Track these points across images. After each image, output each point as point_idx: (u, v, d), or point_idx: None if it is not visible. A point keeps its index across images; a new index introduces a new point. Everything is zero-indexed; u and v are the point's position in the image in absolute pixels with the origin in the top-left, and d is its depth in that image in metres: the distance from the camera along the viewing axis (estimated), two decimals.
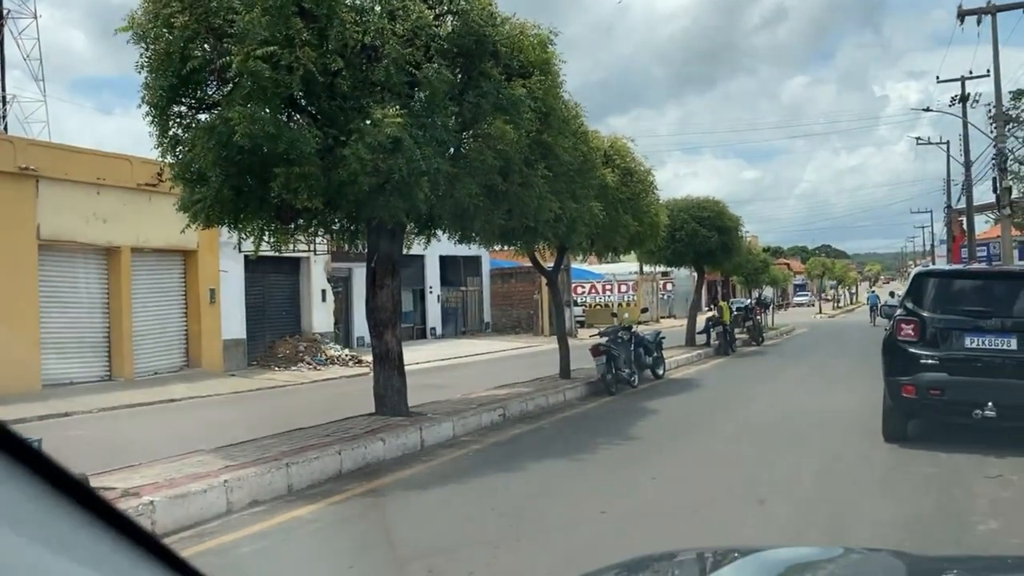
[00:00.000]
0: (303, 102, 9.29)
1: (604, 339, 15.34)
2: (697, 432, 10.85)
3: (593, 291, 48.53)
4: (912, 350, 8.98)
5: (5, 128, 26.96)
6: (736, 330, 26.17)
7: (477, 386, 14.54)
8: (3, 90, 37.79)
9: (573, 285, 38.15)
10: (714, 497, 7.19)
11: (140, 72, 9.04)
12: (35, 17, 40.54)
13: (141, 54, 9.00)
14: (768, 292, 49.54)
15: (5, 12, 38.48)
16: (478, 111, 9.59)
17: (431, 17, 9.23)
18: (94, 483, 6.74)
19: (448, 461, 9.15)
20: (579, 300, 43.51)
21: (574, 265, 35.39)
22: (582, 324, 36.65)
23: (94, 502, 0.73)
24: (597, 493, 7.54)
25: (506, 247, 15.41)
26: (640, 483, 7.89)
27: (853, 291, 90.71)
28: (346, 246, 13.13)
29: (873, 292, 53.59)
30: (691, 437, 10.49)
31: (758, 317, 29.55)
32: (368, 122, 8.56)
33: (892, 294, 38.92)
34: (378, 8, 9.08)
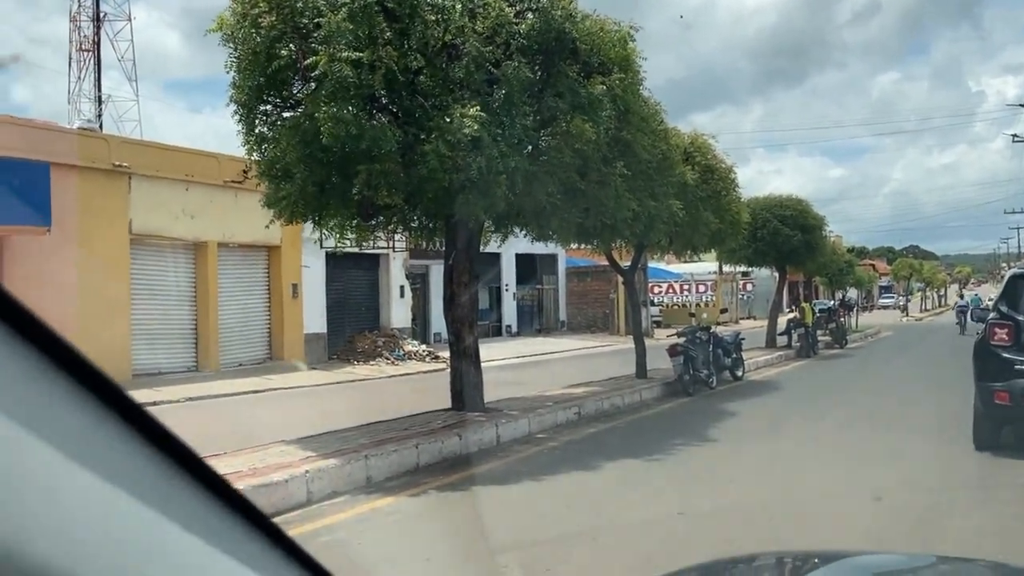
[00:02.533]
0: (384, 100, 9.41)
1: (682, 339, 15.16)
2: (777, 435, 10.64)
3: (671, 291, 48.00)
4: (1006, 355, 8.62)
5: (101, 127, 28.07)
6: (818, 332, 25.56)
7: (552, 384, 14.53)
8: (99, 90, 39.38)
9: (650, 284, 37.80)
10: (794, 501, 7.04)
11: (228, 72, 9.30)
12: (129, 20, 42.14)
13: (229, 54, 9.26)
14: (852, 293, 48.20)
15: (102, 15, 40.08)
16: (556, 109, 9.56)
17: (511, 15, 9.25)
18: None
19: (524, 458, 9.18)
20: (656, 300, 43.08)
21: (652, 264, 35.09)
22: (659, 324, 36.28)
23: (209, 476, 0.77)
24: (675, 493, 7.47)
25: (583, 245, 15.36)
26: (718, 485, 7.77)
27: (942, 293, 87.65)
28: (424, 243, 13.26)
29: (975, 296, 46.39)
30: (771, 440, 10.28)
31: (841, 319, 28.82)
32: (448, 120, 8.63)
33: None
34: (459, 6, 9.14)
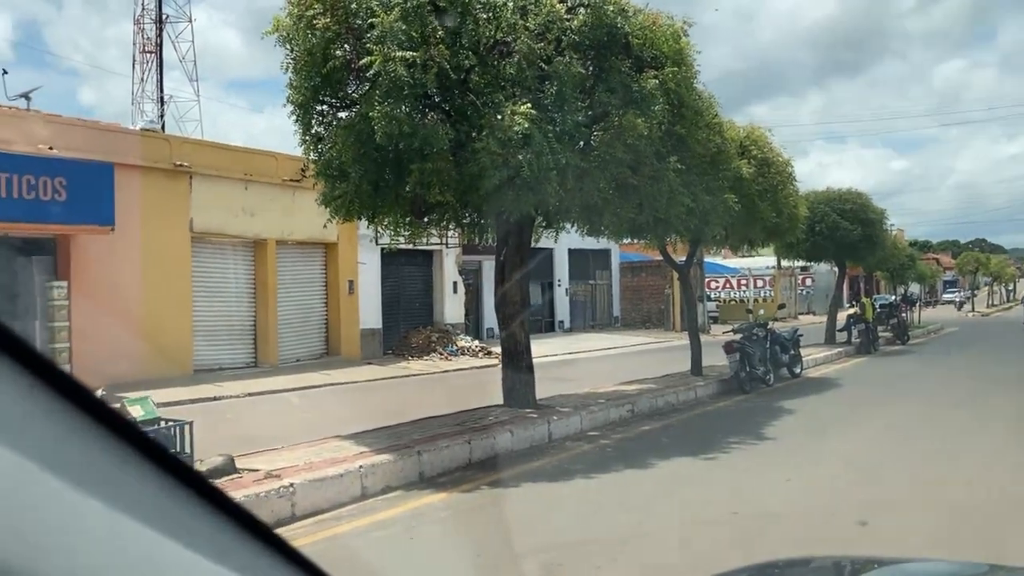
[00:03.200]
0: (437, 99, 9.48)
1: (738, 336, 14.98)
2: (835, 434, 10.45)
3: (727, 286, 47.44)
4: None
5: (163, 127, 28.76)
6: (879, 328, 25.03)
7: (605, 381, 14.49)
8: (161, 91, 40.31)
9: (706, 280, 37.39)
10: (852, 502, 6.91)
11: (285, 73, 9.45)
12: (190, 21, 43.03)
13: (286, 55, 9.41)
14: (915, 288, 47.08)
15: (164, 17, 41.01)
16: (608, 104, 9.52)
17: (563, 11, 9.22)
18: (240, 464, 7.13)
19: (576, 455, 9.17)
20: (712, 295, 42.61)
21: (707, 259, 34.74)
22: (715, 320, 35.89)
23: (209, 489, 0.76)
24: (729, 493, 7.39)
25: (636, 240, 15.26)
26: (774, 485, 7.67)
27: (1011, 288, 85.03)
28: (476, 239, 13.33)
29: None
30: (829, 439, 10.11)
31: (903, 315, 28.17)
32: (499, 117, 8.64)
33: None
34: (511, 4, 9.16)
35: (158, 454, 0.72)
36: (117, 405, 6.33)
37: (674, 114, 10.34)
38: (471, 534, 6.27)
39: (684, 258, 16.92)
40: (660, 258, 17.76)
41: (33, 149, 14.12)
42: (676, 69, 10.11)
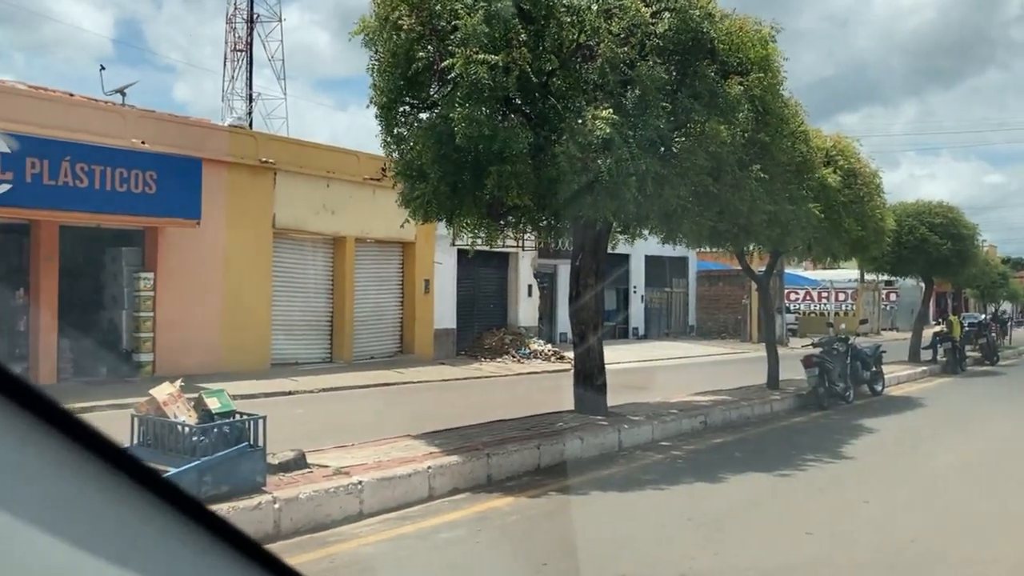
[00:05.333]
0: (517, 101, 9.47)
1: (817, 350, 14.59)
2: (917, 455, 10.08)
3: (807, 298, 46.33)
4: None
5: (250, 124, 29.48)
6: (967, 347, 24.09)
7: (678, 390, 14.26)
8: (250, 89, 41.39)
9: (786, 291, 36.60)
10: (934, 528, 6.63)
11: (370, 74, 9.55)
12: (279, 21, 44.10)
13: (371, 57, 9.51)
14: (1006, 307, 45.22)
15: (255, 16, 42.11)
16: (691, 110, 9.37)
17: (648, 15, 9.11)
18: (310, 460, 7.21)
19: (646, 465, 9.04)
20: (792, 307, 41.67)
21: (788, 270, 33.98)
22: (794, 333, 35.09)
23: (196, 509, 0.73)
24: (803, 511, 7.18)
25: (715, 249, 15.00)
26: (851, 505, 7.41)
27: None
28: (552, 243, 13.28)
29: None
30: (910, 460, 9.75)
31: (993, 334, 27.05)
32: (580, 121, 8.59)
33: None
34: (594, 7, 9.08)
35: (132, 467, 0.68)
36: (195, 396, 6.47)
37: (758, 121, 10.12)
38: (537, 541, 6.21)
39: (763, 268, 16.56)
40: (739, 267, 17.42)
41: (126, 143, 14.61)
42: (762, 75, 9.90)
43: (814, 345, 14.95)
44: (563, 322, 25.65)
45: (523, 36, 8.64)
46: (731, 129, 9.31)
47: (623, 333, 32.66)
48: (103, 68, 20.23)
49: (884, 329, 43.70)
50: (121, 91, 16.42)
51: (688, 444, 10.36)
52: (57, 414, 0.62)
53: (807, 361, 14.25)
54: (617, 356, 19.42)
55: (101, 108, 15.55)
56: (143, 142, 14.99)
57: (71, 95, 15.63)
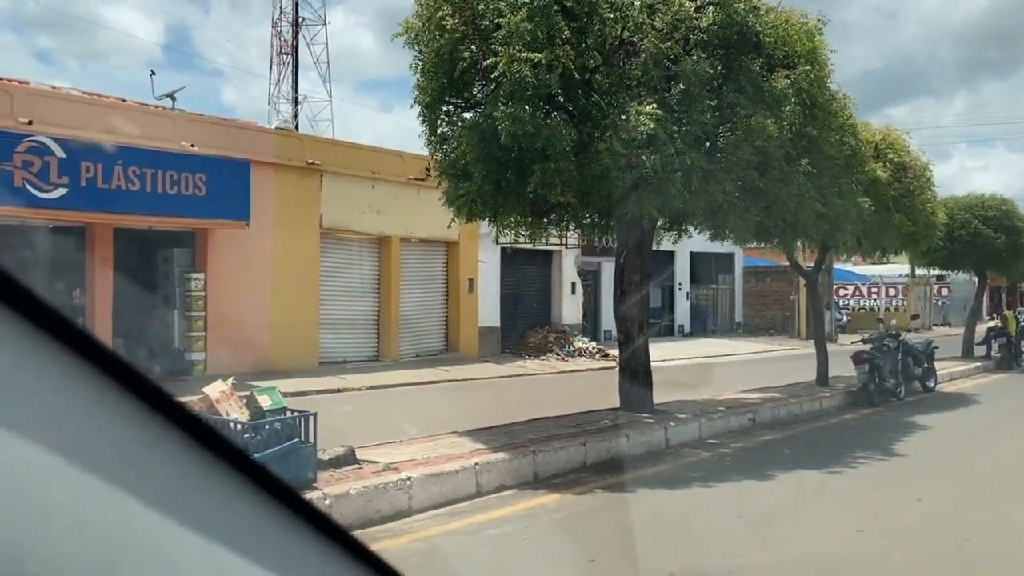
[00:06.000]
0: (561, 99, 9.47)
1: (868, 346, 14.37)
2: (971, 452, 9.88)
3: (857, 294, 45.55)
4: None
5: (296, 127, 29.86)
6: (1022, 343, 23.51)
7: (726, 388, 14.14)
8: (296, 91, 41.89)
9: (835, 287, 36.02)
10: (990, 526, 6.50)
11: (414, 74, 9.63)
12: (324, 24, 44.53)
13: (414, 57, 9.59)
14: None
15: (301, 20, 42.61)
16: (737, 105, 9.29)
17: (691, 9, 9.05)
18: (360, 456, 7.30)
19: (693, 463, 8.99)
20: (841, 303, 41.01)
21: (836, 265, 33.42)
22: (843, 329, 34.54)
23: (289, 495, 0.75)
24: (854, 510, 7.08)
25: (762, 245, 14.85)
26: (903, 504, 7.30)
27: None
28: (596, 240, 13.25)
29: None
30: (964, 458, 9.56)
31: None
32: (623, 118, 8.56)
33: None
34: (638, 3, 9.05)
35: (214, 441, 0.70)
36: (246, 393, 6.59)
37: (806, 115, 10.01)
38: (584, 537, 6.22)
39: (812, 264, 16.35)
40: (786, 263, 17.22)
41: (176, 146, 14.90)
42: (809, 68, 9.79)
43: (864, 341, 14.73)
44: (607, 320, 25.57)
45: (566, 33, 8.64)
46: (778, 123, 9.22)
47: (668, 331, 32.45)
48: (153, 73, 20.72)
49: (936, 324, 42.80)
50: (171, 95, 16.75)
51: (736, 441, 10.28)
52: (172, 408, 0.65)
53: (857, 358, 14.05)
54: (663, 354, 19.32)
55: (152, 112, 15.88)
56: (192, 145, 15.28)
57: (123, 100, 15.99)
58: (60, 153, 12.67)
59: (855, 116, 12.13)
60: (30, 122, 13.07)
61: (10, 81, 14.07)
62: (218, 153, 15.33)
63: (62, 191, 12.72)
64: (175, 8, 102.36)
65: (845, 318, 38.12)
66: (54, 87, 15.37)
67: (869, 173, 12.44)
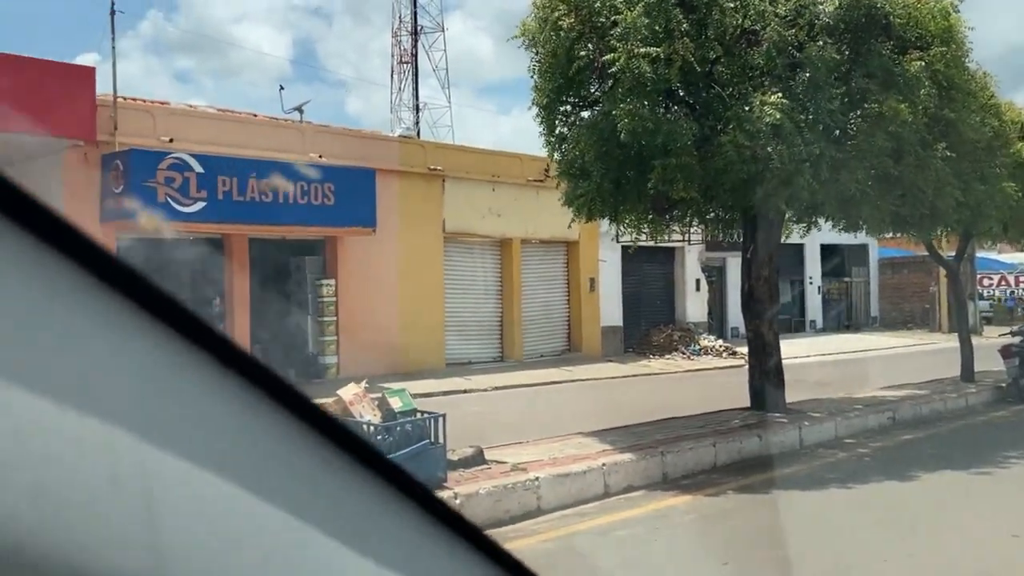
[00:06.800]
0: (680, 93, 9.33)
1: (1017, 339, 13.51)
2: None
3: (1003, 283, 42.89)
4: None
5: (418, 134, 30.51)
6: None
7: (862, 385, 13.58)
8: (416, 99, 42.81)
9: (978, 276, 34.05)
10: None
11: (531, 76, 9.68)
12: (442, 31, 45.32)
13: (531, 59, 9.65)
14: None
15: (419, 28, 43.52)
16: (866, 90, 8.94)
17: None
18: (488, 456, 7.39)
19: (829, 463, 8.67)
20: (985, 293, 38.74)
21: (980, 254, 31.59)
22: (988, 321, 32.61)
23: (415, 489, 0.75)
24: (1007, 513, 6.66)
25: (898, 235, 14.18)
26: None
27: None
28: (720, 235, 12.96)
29: None
30: None
31: None
32: (746, 109, 8.37)
33: None
34: None
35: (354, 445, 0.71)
36: (378, 395, 6.78)
37: (942, 97, 9.51)
38: (717, 540, 6.09)
39: (953, 253, 15.51)
40: (924, 253, 16.38)
41: (306, 158, 15.48)
42: (944, 49, 9.31)
43: (1013, 334, 13.86)
44: (733, 317, 25.02)
45: (684, 26, 8.50)
46: (912, 107, 8.82)
47: (799, 326, 31.44)
48: (282, 88, 21.56)
49: None
50: (299, 109, 17.41)
51: (875, 441, 9.85)
52: (311, 411, 0.67)
53: (1006, 351, 13.23)
54: (793, 350, 18.73)
55: (282, 126, 16.56)
56: (320, 156, 15.84)
57: (255, 115, 16.74)
58: (199, 168, 13.37)
59: (998, 96, 11.46)
60: (171, 140, 13.86)
61: (153, 103, 14.95)
62: (345, 163, 15.83)
63: (201, 204, 13.41)
64: (301, 22, 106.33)
65: (990, 307, 36.00)
66: (191, 106, 16.26)
67: (1014, 155, 11.73)
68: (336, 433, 0.69)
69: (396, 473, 0.72)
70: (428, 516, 0.75)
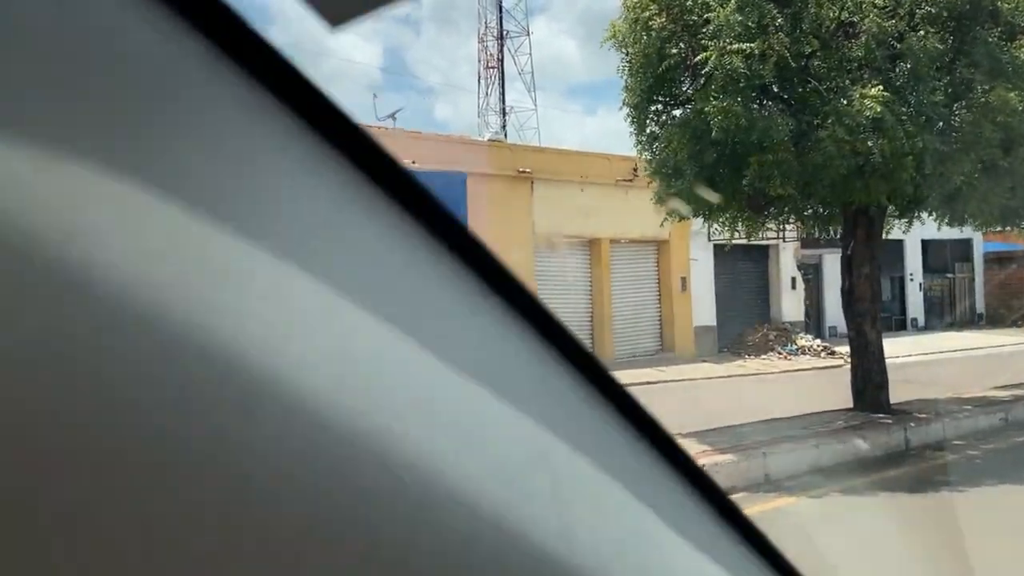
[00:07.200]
0: (775, 88, 9.18)
1: None
2: None
3: None
4: None
5: (505, 136, 30.72)
6: None
7: (970, 384, 13.06)
8: (503, 103, 43.10)
9: None
10: None
11: (621, 76, 9.67)
12: (528, 35, 45.52)
13: (621, 59, 9.63)
14: None
15: (505, 33, 43.83)
16: (972, 80, 8.64)
17: None
18: None
19: (938, 465, 8.39)
20: None
21: None
22: None
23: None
24: None
25: (1008, 229, 13.61)
26: None
27: None
28: (817, 233, 12.67)
29: None
30: None
31: None
32: (845, 102, 8.20)
33: None
34: None
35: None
36: None
37: None
38: (824, 543, 5.97)
39: None
40: None
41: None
42: None
43: None
44: (831, 315, 24.43)
45: (779, 21, 8.38)
46: (1021, 96, 8.47)
47: (900, 324, 30.44)
48: (375, 96, 22.01)
49: None
50: (392, 116, 17.79)
51: (986, 443, 9.48)
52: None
53: None
54: (896, 349, 18.14)
55: (377, 134, 16.89)
56: (414, 162, 16.13)
57: None
58: None
59: None
60: None
61: None
62: (437, 168, 16.08)
63: None
64: (390, 30, 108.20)
65: None
66: None
67: None
68: (651, 430, 0.68)
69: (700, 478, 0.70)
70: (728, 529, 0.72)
